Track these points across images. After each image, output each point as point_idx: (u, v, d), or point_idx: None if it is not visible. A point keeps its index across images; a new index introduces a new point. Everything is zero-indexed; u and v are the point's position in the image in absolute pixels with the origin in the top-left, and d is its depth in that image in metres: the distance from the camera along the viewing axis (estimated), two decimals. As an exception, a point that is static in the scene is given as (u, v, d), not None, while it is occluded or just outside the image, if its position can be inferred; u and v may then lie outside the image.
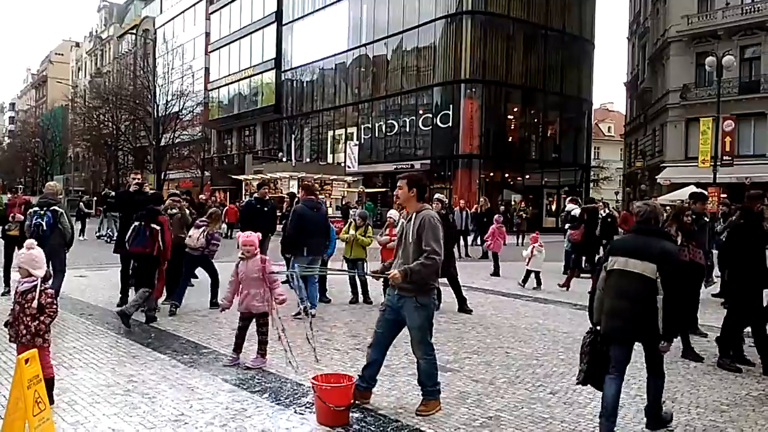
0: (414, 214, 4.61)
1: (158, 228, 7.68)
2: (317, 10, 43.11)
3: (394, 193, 4.94)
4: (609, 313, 4.35)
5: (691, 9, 32.97)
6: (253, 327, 5.98)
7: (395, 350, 6.63)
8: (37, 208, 8.17)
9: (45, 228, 7.92)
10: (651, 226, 4.44)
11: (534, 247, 11.73)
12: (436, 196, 10.29)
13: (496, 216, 14.66)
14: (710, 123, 26.27)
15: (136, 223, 7.69)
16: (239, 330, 5.98)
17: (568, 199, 15.89)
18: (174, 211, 9.02)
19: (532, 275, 11.63)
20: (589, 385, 4.55)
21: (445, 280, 9.41)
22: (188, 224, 9.16)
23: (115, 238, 13.23)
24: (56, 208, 8.18)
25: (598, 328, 4.50)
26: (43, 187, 9.11)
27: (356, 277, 9.67)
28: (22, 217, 8.86)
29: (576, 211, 14.33)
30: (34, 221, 8.02)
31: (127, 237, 7.85)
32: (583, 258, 12.11)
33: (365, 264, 9.82)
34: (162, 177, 43.90)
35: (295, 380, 5.45)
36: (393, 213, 10.00)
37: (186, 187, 51.86)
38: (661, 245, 4.25)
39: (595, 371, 4.40)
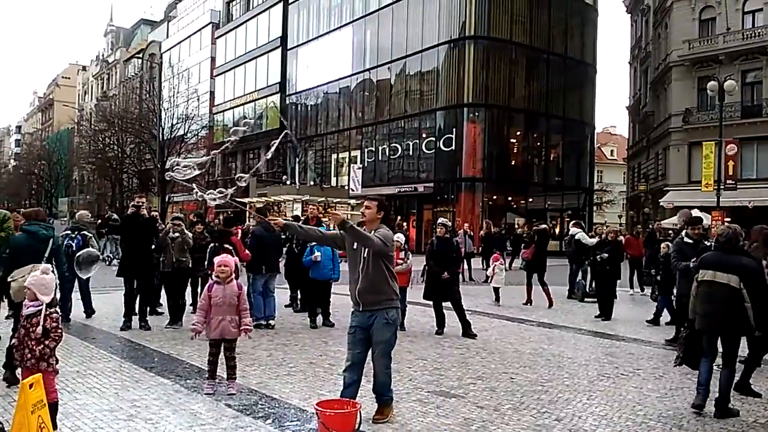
0: (373, 231, 4.98)
1: (231, 248, 8.52)
2: (322, 35, 43.59)
3: (361, 210, 5.34)
4: (702, 314, 5.59)
5: (693, 34, 33.23)
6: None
7: (399, 375, 6.60)
8: (68, 232, 9.61)
9: (74, 249, 8.96)
10: (732, 245, 5.57)
11: (495, 265, 13.11)
12: (440, 220, 10.28)
13: (495, 254, 15.22)
14: (713, 147, 26.30)
15: (212, 245, 8.77)
16: (213, 357, 5.75)
17: (572, 223, 15.87)
18: (175, 234, 9.05)
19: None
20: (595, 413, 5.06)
21: (448, 303, 9.42)
22: (189, 247, 9.19)
23: (117, 260, 13.29)
24: (86, 232, 9.62)
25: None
26: (49, 210, 9.73)
27: None
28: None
29: (580, 235, 14.33)
30: (65, 242, 9.10)
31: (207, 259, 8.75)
32: (535, 275, 12.88)
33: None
34: (167, 200, 44.02)
35: (298, 406, 5.42)
36: (399, 236, 10.01)
37: (190, 209, 51.99)
38: (740, 260, 5.46)
39: (689, 356, 5.79)
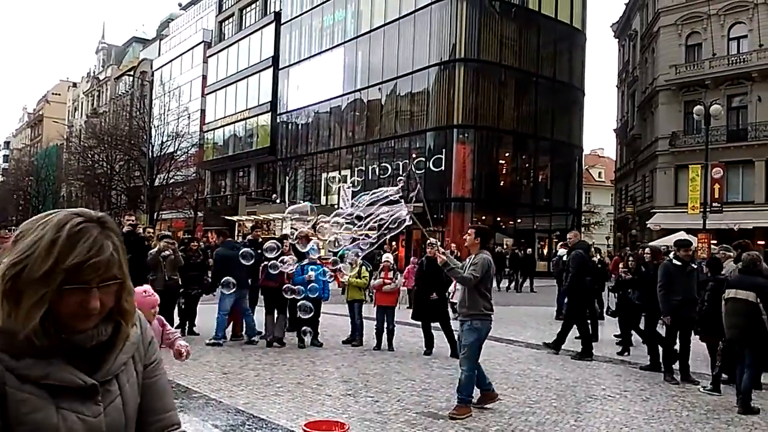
0: (474, 255, 6.24)
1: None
2: (313, 56, 43.88)
3: (464, 237, 6.68)
4: (729, 326, 6.74)
5: (679, 59, 33.77)
6: None
7: (387, 396, 6.59)
8: None
9: None
10: (750, 268, 6.80)
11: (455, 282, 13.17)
12: (429, 240, 10.32)
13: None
14: (699, 170, 26.64)
15: (265, 262, 8.83)
16: None
17: (560, 244, 15.99)
18: (167, 253, 9.05)
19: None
20: (592, 428, 5.60)
21: (437, 324, 9.44)
22: (180, 266, 9.18)
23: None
24: None
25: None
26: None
27: (384, 324, 9.64)
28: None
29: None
30: None
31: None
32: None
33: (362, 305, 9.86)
34: (155, 217, 43.85)
35: (286, 427, 5.40)
36: (388, 257, 10.06)
37: (179, 227, 51.80)
38: (756, 280, 6.65)
39: (727, 365, 7.15)
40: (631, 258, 10.25)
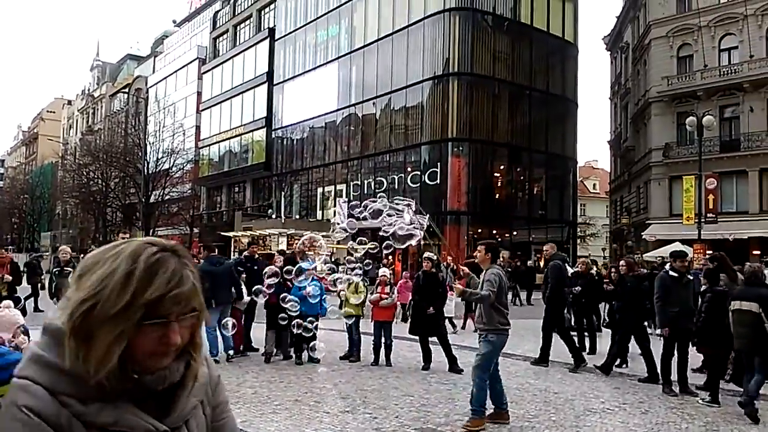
0: (486, 270, 6.45)
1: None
2: (308, 71, 44.08)
3: (475, 253, 6.91)
4: (736, 336, 6.96)
5: (671, 70, 34.03)
6: None
7: (385, 412, 6.56)
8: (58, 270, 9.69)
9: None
10: (752, 280, 7.08)
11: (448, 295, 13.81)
12: (426, 254, 10.33)
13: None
14: (693, 181, 26.74)
15: (277, 279, 9.07)
16: None
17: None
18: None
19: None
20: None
21: (435, 338, 9.41)
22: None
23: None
24: (69, 268, 9.69)
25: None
26: (31, 244, 9.59)
27: (381, 339, 9.62)
28: (10, 278, 8.86)
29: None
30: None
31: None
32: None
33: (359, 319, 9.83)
34: (151, 234, 43.75)
35: (284, 445, 5.37)
36: (385, 271, 10.05)
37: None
38: (759, 291, 6.91)
39: (737, 374, 7.58)
40: (613, 269, 10.31)
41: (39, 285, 13.99)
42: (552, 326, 9.96)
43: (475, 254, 6.84)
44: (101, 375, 1.08)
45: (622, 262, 10.49)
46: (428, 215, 8.21)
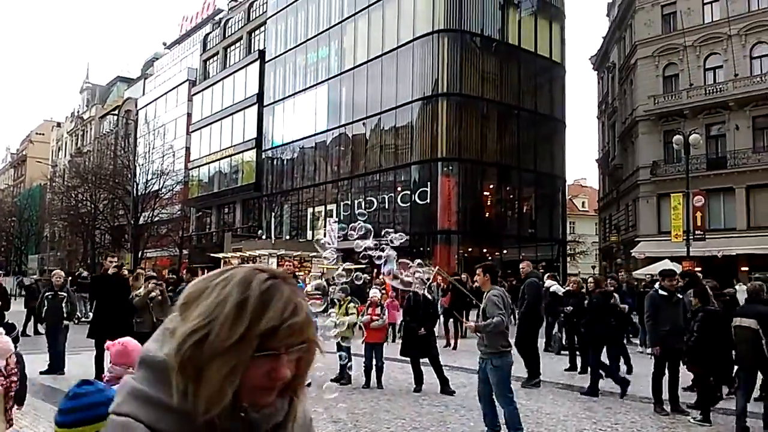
0: (487, 292, 6.43)
1: None
2: (298, 93, 44.28)
3: (474, 278, 7.01)
4: (736, 352, 7.24)
5: (657, 90, 34.46)
6: None
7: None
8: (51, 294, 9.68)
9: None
10: (753, 297, 7.36)
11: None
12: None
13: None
14: (681, 198, 26.96)
15: None
16: None
17: (547, 275, 15.99)
18: (155, 294, 8.97)
19: None
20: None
21: (426, 360, 9.37)
22: (167, 307, 9.08)
23: (83, 318, 13.04)
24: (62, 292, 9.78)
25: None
26: (18, 267, 9.52)
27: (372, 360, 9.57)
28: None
29: (555, 287, 14.43)
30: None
31: None
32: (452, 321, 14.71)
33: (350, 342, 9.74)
34: (139, 256, 43.47)
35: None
36: (375, 293, 10.03)
37: (163, 265, 51.27)
38: (757, 308, 7.12)
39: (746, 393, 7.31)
40: (592, 286, 10.34)
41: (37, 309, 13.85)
42: (528, 343, 9.96)
43: (474, 279, 6.98)
44: (213, 413, 0.99)
45: (590, 279, 10.79)
46: (407, 237, 8.27)
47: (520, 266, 12.12)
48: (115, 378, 3.34)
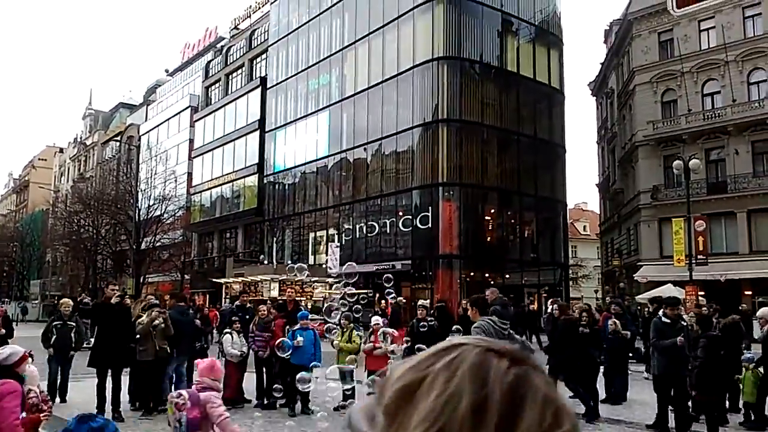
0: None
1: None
2: (299, 119, 44.62)
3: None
4: None
5: (656, 115, 34.69)
6: None
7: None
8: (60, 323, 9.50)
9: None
10: None
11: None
12: (420, 302, 10.35)
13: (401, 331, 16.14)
14: (682, 223, 27.00)
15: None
16: None
17: (551, 300, 16.04)
18: (158, 322, 8.98)
19: None
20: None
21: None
22: (170, 335, 9.09)
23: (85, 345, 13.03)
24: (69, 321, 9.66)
25: None
26: (20, 292, 9.53)
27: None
28: (3, 331, 8.77)
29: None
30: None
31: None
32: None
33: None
34: (141, 281, 43.41)
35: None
36: (377, 320, 10.03)
37: (165, 290, 51.14)
38: None
39: None
40: (585, 313, 10.22)
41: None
42: None
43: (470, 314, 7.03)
44: None
45: (555, 306, 10.86)
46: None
47: (486, 293, 12.08)
48: (205, 387, 4.53)
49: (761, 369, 8.37)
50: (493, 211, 36.94)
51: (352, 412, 0.85)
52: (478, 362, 0.77)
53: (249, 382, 10.41)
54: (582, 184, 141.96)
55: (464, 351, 0.79)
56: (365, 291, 34.62)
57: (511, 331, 6.85)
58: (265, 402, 10.04)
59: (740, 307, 18.09)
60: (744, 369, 8.55)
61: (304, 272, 7.07)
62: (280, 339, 9.09)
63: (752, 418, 8.33)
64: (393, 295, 14.80)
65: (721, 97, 32.54)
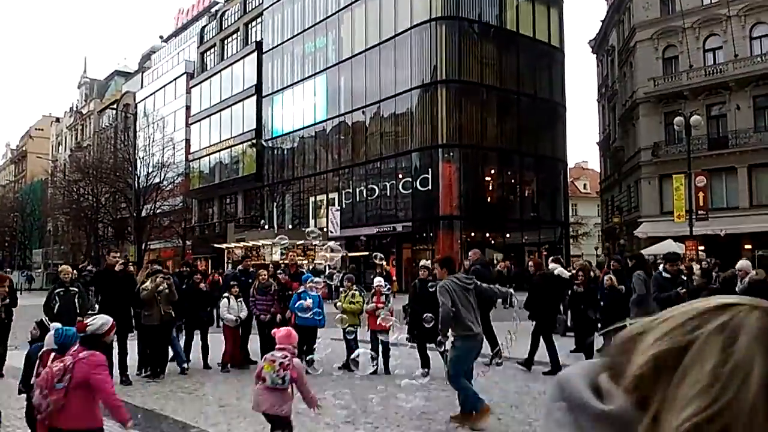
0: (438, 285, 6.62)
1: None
2: (296, 83, 44.17)
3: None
4: None
5: (657, 72, 34.30)
6: None
7: (386, 421, 6.58)
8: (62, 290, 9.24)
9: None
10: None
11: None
12: (422, 263, 10.41)
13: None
14: (683, 179, 26.93)
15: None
16: None
17: (551, 258, 16.04)
18: (162, 287, 9.04)
19: None
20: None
21: (433, 344, 9.43)
22: (174, 301, 9.15)
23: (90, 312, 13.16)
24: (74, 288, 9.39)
25: None
26: (23, 261, 9.55)
27: (379, 345, 9.62)
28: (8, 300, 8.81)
29: (559, 270, 14.47)
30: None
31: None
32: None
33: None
34: (143, 248, 43.56)
35: (287, 457, 5.38)
36: (379, 280, 10.08)
37: (167, 256, 51.38)
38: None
39: None
40: (581, 272, 10.24)
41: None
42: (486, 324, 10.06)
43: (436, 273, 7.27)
44: None
45: (530, 263, 11.18)
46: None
47: (469, 254, 12.20)
48: (286, 351, 5.24)
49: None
50: (493, 171, 36.88)
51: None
52: (764, 326, 0.65)
53: (255, 344, 10.54)
54: (582, 143, 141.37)
55: (739, 312, 0.67)
56: (366, 253, 34.88)
57: (479, 283, 7.05)
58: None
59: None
60: None
61: (318, 236, 7.39)
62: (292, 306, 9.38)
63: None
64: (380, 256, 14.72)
65: (722, 52, 32.12)
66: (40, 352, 4.85)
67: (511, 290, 7.73)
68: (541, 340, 9.73)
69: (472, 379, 6.64)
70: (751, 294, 6.52)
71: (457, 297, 6.43)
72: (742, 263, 10.06)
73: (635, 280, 8.95)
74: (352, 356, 7.06)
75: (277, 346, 5.22)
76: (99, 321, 4.41)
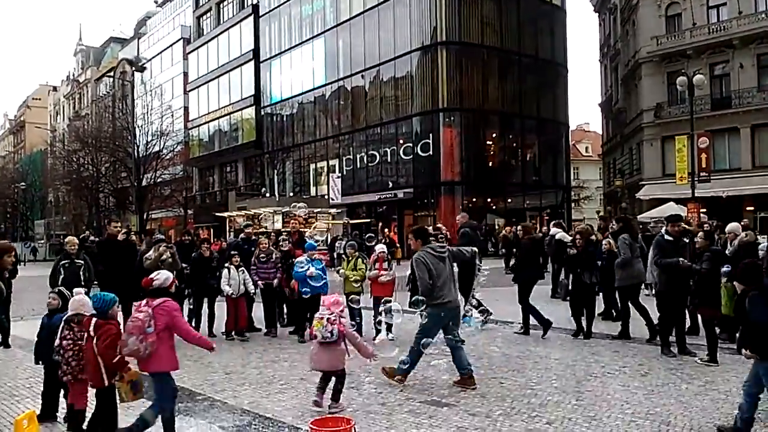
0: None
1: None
2: (294, 47, 43.62)
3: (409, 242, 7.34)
4: None
5: (660, 30, 33.80)
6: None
7: (390, 386, 6.65)
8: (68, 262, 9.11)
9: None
10: None
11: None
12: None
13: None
14: (685, 140, 26.74)
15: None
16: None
17: (552, 223, 16.01)
18: (166, 257, 9.05)
19: None
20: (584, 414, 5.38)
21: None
22: (178, 270, 9.16)
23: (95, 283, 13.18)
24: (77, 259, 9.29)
25: None
26: (25, 232, 9.46)
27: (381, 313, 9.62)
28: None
29: (560, 234, 14.47)
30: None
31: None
32: None
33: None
34: (144, 217, 43.63)
35: (293, 424, 5.45)
36: (381, 247, 10.07)
37: (169, 225, 51.50)
38: None
39: None
40: (578, 235, 10.15)
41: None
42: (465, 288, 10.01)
43: (408, 243, 7.62)
44: None
45: (519, 227, 11.22)
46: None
47: (457, 218, 12.15)
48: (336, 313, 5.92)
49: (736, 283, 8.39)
50: (494, 135, 36.66)
51: None
52: None
53: (259, 311, 10.62)
54: (584, 105, 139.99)
55: None
56: (368, 219, 34.90)
57: (452, 249, 7.21)
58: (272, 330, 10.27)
59: (741, 223, 18.13)
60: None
61: (302, 209, 7.39)
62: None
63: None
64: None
65: (726, 9, 31.60)
66: (74, 319, 5.10)
67: (475, 249, 7.79)
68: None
69: (461, 343, 6.81)
70: (740, 256, 6.29)
71: (434, 267, 6.50)
72: (732, 226, 10.09)
73: (620, 243, 9.05)
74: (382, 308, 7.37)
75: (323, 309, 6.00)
76: (162, 276, 4.94)
